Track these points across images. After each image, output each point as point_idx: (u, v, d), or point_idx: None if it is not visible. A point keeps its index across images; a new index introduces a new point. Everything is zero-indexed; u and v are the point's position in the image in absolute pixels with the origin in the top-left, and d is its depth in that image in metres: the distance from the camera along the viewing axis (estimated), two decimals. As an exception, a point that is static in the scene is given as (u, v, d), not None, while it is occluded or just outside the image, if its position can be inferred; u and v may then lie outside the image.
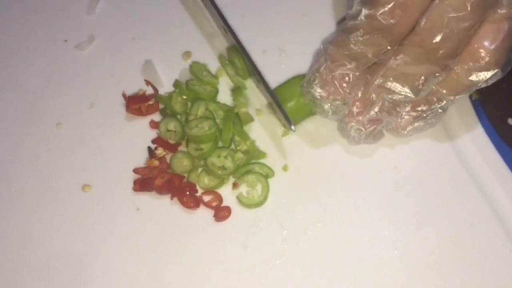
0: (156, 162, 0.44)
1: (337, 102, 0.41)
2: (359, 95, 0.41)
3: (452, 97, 0.40)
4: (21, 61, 0.50)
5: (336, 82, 0.40)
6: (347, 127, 0.42)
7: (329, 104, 0.41)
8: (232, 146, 0.45)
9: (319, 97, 0.41)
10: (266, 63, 0.47)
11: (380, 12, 0.37)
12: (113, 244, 0.43)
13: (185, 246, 0.43)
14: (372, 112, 0.40)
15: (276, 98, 0.43)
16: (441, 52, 0.37)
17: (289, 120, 0.43)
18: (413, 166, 0.45)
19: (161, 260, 0.43)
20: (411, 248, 0.42)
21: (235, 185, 0.44)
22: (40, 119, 0.47)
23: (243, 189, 0.44)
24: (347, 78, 0.40)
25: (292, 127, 0.43)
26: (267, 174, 0.44)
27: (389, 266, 0.42)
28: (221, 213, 0.43)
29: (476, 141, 0.45)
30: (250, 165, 0.44)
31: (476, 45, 0.38)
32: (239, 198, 0.44)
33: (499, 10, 0.37)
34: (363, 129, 0.42)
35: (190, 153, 0.44)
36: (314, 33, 0.48)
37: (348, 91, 0.40)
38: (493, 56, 0.38)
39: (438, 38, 0.37)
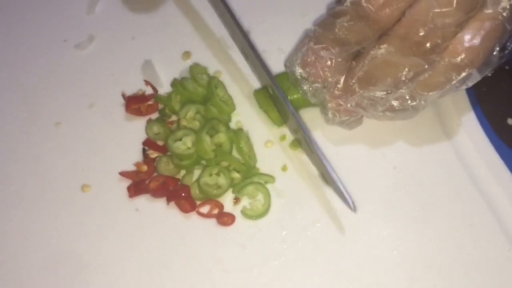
0: (145, 167, 0.44)
1: (317, 84, 0.41)
2: (341, 81, 0.40)
3: (425, 93, 0.39)
4: (21, 61, 0.50)
5: (317, 65, 0.40)
6: (326, 105, 0.42)
7: (308, 86, 0.41)
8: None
9: (299, 77, 0.41)
10: (266, 63, 0.47)
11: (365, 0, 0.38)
12: (113, 244, 0.43)
13: (184, 246, 0.43)
14: (349, 105, 0.40)
15: (334, 175, 0.40)
16: (425, 46, 0.37)
17: (345, 198, 0.41)
18: (412, 166, 0.45)
19: (161, 260, 0.42)
20: (411, 248, 0.42)
21: (236, 201, 0.43)
22: (40, 119, 0.47)
23: (245, 200, 0.44)
24: (329, 62, 0.39)
25: (351, 205, 0.41)
26: (266, 181, 0.44)
27: (389, 266, 0.42)
28: (224, 218, 0.43)
29: (475, 141, 0.45)
30: (248, 179, 0.43)
31: (455, 42, 0.37)
32: (244, 212, 0.43)
33: (485, 10, 0.37)
34: (337, 115, 0.42)
35: (173, 160, 0.44)
36: (314, 33, 0.49)
37: (329, 75, 0.40)
38: (469, 54, 0.37)
39: (422, 32, 0.37)
